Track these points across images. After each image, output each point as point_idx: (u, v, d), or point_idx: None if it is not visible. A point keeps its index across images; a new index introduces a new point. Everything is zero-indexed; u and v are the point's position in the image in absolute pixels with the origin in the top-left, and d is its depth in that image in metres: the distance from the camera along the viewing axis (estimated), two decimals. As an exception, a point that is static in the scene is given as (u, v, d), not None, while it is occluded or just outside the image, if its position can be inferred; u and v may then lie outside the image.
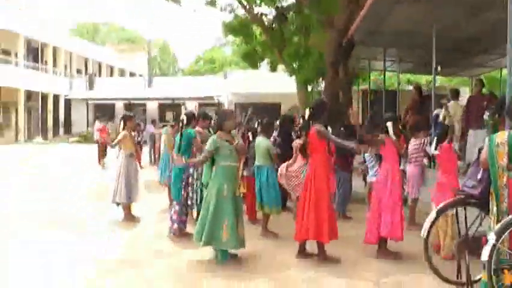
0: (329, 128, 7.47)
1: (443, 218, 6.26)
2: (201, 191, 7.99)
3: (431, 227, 5.59)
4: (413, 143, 8.81)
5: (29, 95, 37.75)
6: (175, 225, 7.85)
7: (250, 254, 6.88)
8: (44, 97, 39.12)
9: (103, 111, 33.72)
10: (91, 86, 41.47)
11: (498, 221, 4.71)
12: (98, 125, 20.90)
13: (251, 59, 23.10)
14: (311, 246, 6.83)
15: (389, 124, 6.97)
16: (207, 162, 6.85)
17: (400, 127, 9.15)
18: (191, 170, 8.01)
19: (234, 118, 6.97)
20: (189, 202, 8.08)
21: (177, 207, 7.89)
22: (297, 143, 8.58)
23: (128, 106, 37.66)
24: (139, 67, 55.18)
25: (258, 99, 31.53)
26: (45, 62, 40.64)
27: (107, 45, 64.20)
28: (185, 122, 8.13)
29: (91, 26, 71.14)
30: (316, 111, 6.81)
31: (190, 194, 8.03)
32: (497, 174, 4.75)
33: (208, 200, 6.52)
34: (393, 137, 7.00)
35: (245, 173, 9.10)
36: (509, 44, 7.31)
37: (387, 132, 6.98)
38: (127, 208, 9.25)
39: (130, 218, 9.24)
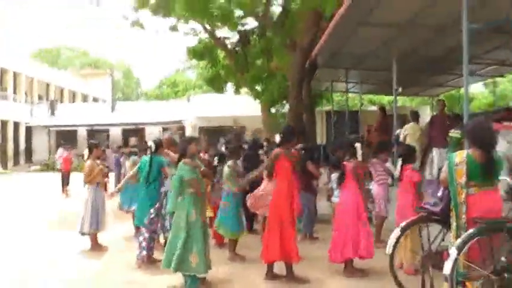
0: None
1: (405, 235, 6.42)
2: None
3: (395, 243, 5.76)
4: (376, 163, 9.01)
5: (-12, 123, 37.10)
6: (144, 252, 7.77)
7: (219, 278, 6.91)
8: (4, 125, 38.40)
9: (65, 138, 33.27)
10: (52, 112, 40.91)
11: (457, 235, 4.89)
12: (61, 152, 20.59)
13: (216, 83, 23.17)
14: (279, 268, 6.90)
15: (358, 145, 7.18)
16: (174, 189, 6.82)
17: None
18: (161, 197, 8.01)
19: (197, 143, 6.99)
20: (160, 228, 8.07)
21: (146, 235, 7.81)
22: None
23: (91, 132, 37.32)
24: (102, 92, 54.75)
25: (221, 123, 31.58)
26: (5, 88, 40.03)
27: (70, 70, 63.57)
28: (153, 149, 8.13)
29: (52, 51, 70.22)
30: (286, 137, 6.94)
31: (158, 220, 8.00)
32: (457, 192, 4.95)
33: (177, 226, 6.51)
34: (360, 159, 7.19)
35: (212, 197, 9.12)
36: (464, 67, 7.61)
37: (354, 154, 7.17)
38: (94, 237, 9.14)
39: (97, 247, 9.12)
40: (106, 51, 73.59)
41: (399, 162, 7.63)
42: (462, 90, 13.47)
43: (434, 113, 15.00)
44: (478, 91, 41.62)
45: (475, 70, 15.88)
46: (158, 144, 8.26)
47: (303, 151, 9.98)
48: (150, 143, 8.32)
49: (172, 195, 6.80)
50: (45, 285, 7.04)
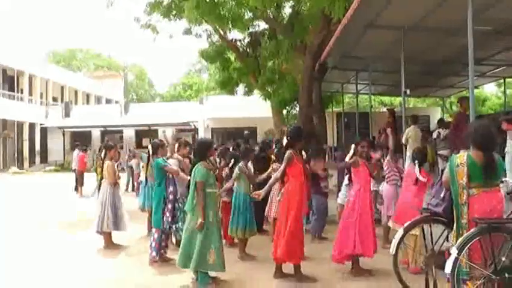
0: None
1: (410, 235, 6.53)
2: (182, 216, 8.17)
3: (399, 243, 5.87)
4: (389, 163, 9.08)
5: (4, 124, 37.48)
6: (154, 253, 7.92)
7: (229, 276, 7.04)
8: (20, 126, 38.83)
9: (80, 139, 33.58)
10: (67, 114, 41.31)
11: (458, 235, 5.00)
12: (77, 153, 20.90)
13: (228, 86, 23.30)
14: (288, 267, 7.03)
15: (352, 146, 7.31)
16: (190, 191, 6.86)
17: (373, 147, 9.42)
18: (171, 197, 8.15)
19: (213, 146, 7.12)
20: (172, 227, 8.21)
21: (156, 235, 7.95)
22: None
23: (105, 133, 37.65)
24: (115, 94, 55.11)
25: (234, 124, 31.71)
26: (21, 90, 40.43)
27: (83, 71, 64.03)
28: (151, 151, 8.23)
29: (66, 53, 70.55)
30: (293, 139, 7.05)
31: (171, 220, 8.14)
32: (458, 193, 5.04)
33: (194, 226, 6.60)
34: (350, 160, 7.29)
35: (224, 198, 9.20)
36: (470, 69, 7.69)
37: (355, 154, 7.30)
38: (108, 236, 9.31)
39: (111, 246, 9.30)
40: (119, 53, 74.08)
41: (416, 165, 7.56)
42: (476, 91, 13.46)
43: (454, 113, 14.75)
44: (492, 92, 41.52)
45: (484, 71, 15.90)
46: (156, 146, 8.38)
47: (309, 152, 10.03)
48: (148, 146, 8.44)
49: (189, 196, 6.92)
50: (59, 283, 7.21)
